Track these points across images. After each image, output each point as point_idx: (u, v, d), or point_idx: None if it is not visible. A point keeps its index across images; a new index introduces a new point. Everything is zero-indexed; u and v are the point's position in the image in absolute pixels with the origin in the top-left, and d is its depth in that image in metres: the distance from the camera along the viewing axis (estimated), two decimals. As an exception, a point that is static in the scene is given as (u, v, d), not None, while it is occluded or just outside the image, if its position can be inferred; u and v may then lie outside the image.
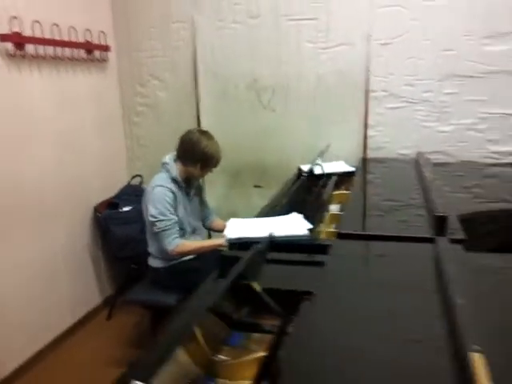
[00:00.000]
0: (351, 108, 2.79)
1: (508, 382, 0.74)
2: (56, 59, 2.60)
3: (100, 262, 3.14)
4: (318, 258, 1.31)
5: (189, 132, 2.30)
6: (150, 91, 3.19)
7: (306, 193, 2.27)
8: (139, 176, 3.28)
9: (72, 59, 2.72)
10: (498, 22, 2.45)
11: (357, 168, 2.61)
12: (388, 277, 1.17)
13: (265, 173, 3.08)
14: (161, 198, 2.20)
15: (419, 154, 2.60)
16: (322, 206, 2.08)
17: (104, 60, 3.02)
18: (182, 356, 0.96)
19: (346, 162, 2.75)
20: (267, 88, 2.92)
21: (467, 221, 1.62)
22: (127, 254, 2.92)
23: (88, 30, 2.80)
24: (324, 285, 1.13)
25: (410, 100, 2.69)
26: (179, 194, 2.29)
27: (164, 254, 2.26)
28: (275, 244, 1.50)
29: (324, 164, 2.65)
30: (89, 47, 2.85)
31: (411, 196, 1.93)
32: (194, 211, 2.41)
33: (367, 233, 1.46)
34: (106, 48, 3.00)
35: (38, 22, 2.40)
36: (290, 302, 1.10)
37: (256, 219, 1.81)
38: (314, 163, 2.47)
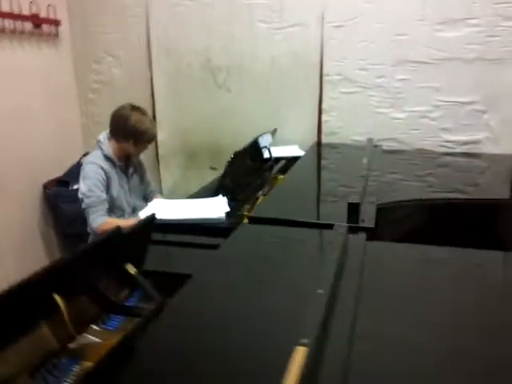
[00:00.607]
0: (306, 91, 2.73)
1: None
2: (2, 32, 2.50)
3: (51, 239, 3.09)
4: (216, 241, 1.27)
5: (120, 107, 2.24)
6: (104, 68, 3.10)
7: (246, 176, 2.22)
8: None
9: (16, 32, 2.62)
10: (451, 8, 2.38)
11: (306, 153, 2.56)
12: (271, 262, 1.14)
13: (220, 154, 3.00)
14: (90, 175, 2.14)
15: (369, 140, 2.55)
16: (257, 190, 2.03)
17: (55, 35, 2.92)
18: (44, 328, 0.94)
19: (301, 146, 2.70)
20: (221, 68, 2.84)
21: (389, 209, 1.58)
22: (75, 231, 2.85)
23: (33, 2, 2.70)
24: (205, 268, 1.09)
25: (364, 85, 2.62)
26: (113, 172, 2.23)
27: (93, 232, 2.21)
28: (184, 225, 1.47)
29: (275, 148, 2.61)
30: (36, 21, 2.75)
31: (346, 183, 1.89)
32: (133, 190, 2.36)
33: (276, 217, 1.42)
34: (56, 22, 2.89)
35: (-26, -9, 2.31)
36: (169, 285, 1.07)
37: (179, 201, 1.77)
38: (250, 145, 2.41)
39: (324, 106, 2.72)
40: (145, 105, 2.98)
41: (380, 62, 2.56)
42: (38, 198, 2.93)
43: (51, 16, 2.85)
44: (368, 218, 1.40)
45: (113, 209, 2.26)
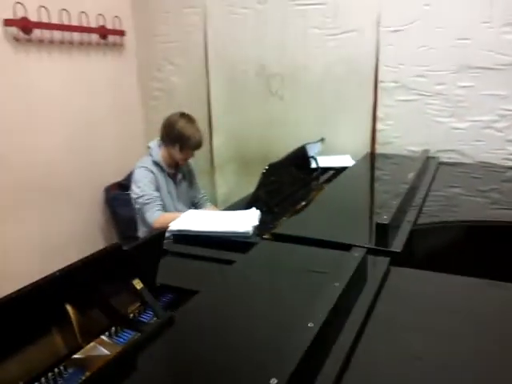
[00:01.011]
0: (360, 99, 2.63)
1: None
2: (67, 44, 2.69)
3: (113, 241, 3.25)
4: (234, 256, 1.27)
5: (171, 115, 2.32)
6: (164, 76, 3.21)
7: (288, 187, 2.19)
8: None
9: (85, 44, 2.80)
10: (521, 8, 2.18)
11: (356, 163, 2.47)
12: (279, 282, 1.11)
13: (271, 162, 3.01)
14: (141, 177, 2.24)
15: (424, 151, 2.41)
16: (299, 201, 1.99)
17: (120, 45, 3.09)
18: (54, 335, 0.99)
19: (353, 156, 2.62)
20: (275, 75, 2.83)
21: (426, 232, 1.48)
22: (131, 234, 3.00)
23: (101, 14, 2.86)
24: (214, 284, 1.08)
25: (422, 93, 2.48)
26: (161, 177, 2.31)
27: (148, 231, 2.28)
28: (210, 238, 1.48)
29: (325, 157, 2.55)
30: (103, 32, 2.92)
31: (390, 198, 1.79)
32: (181, 196, 2.42)
33: (297, 235, 1.37)
34: (121, 33, 3.05)
35: (44, 7, 2.49)
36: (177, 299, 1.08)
37: (211, 212, 1.78)
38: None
39: (379, 114, 2.61)
40: (202, 112, 3.07)
41: (440, 68, 2.40)
42: (101, 202, 3.11)
43: (117, 27, 3.01)
44: (398, 241, 1.32)
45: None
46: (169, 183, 2.35)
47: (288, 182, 2.00)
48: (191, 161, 2.61)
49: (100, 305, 1.06)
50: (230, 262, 1.24)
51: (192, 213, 1.75)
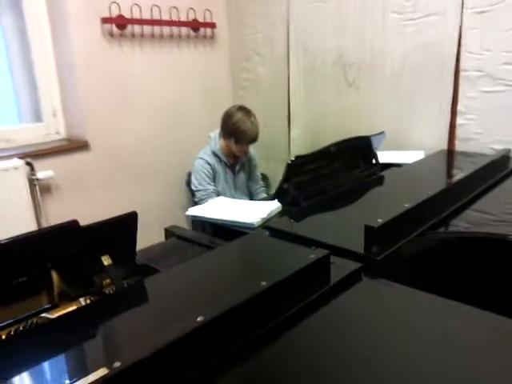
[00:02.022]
0: (439, 90, 2.38)
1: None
2: (158, 37, 2.94)
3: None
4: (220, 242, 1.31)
5: (230, 107, 2.39)
6: (252, 66, 3.30)
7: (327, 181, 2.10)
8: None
9: (175, 36, 3.03)
10: None
11: (420, 160, 2.26)
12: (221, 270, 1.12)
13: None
14: (198, 169, 2.37)
15: (503, 152, 2.09)
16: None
17: (211, 37, 3.26)
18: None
19: (428, 152, 2.40)
20: (352, 65, 2.71)
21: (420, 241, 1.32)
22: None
23: (192, 8, 3.05)
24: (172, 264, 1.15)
25: (511, 83, 2.15)
26: (219, 167, 2.41)
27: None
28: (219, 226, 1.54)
29: (391, 153, 2.39)
30: (195, 25, 3.12)
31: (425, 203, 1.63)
32: (239, 186, 2.50)
33: (285, 230, 1.34)
34: (212, 25, 3.22)
35: (137, 4, 2.75)
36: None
37: (236, 201, 1.82)
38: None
39: (459, 107, 2.33)
40: (282, 103, 3.10)
41: (533, 54, 2.05)
42: (184, 185, 3.35)
43: (208, 20, 3.18)
44: (384, 248, 1.21)
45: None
46: (227, 173, 2.44)
47: (326, 176, 1.93)
48: (254, 152, 2.67)
49: (75, 274, 1.20)
50: (211, 248, 1.28)
51: (219, 200, 1.82)
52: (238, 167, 2.50)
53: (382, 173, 2.09)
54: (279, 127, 3.16)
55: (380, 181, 1.97)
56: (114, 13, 2.68)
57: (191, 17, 3.07)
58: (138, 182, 2.99)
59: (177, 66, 3.10)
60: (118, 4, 2.67)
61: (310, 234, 1.29)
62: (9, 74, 2.73)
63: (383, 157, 2.34)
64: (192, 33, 3.13)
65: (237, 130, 2.33)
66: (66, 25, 2.57)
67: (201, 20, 3.14)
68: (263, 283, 0.95)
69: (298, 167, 1.77)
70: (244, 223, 1.52)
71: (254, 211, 1.60)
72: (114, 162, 2.86)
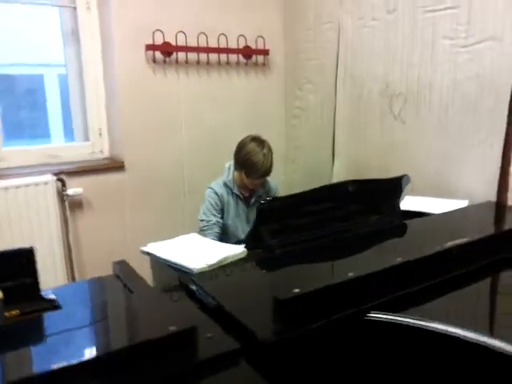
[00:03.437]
0: (490, 128, 1.98)
1: None
2: (204, 64, 2.92)
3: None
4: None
5: (245, 137, 2.23)
6: (303, 94, 3.12)
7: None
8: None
9: (223, 64, 2.98)
10: None
11: (448, 212, 1.86)
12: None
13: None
14: (206, 199, 2.26)
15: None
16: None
17: (263, 64, 3.15)
18: None
19: (476, 203, 1.99)
20: (399, 95, 2.39)
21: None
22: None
23: (242, 35, 2.99)
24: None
25: None
26: (229, 199, 2.26)
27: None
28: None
29: (425, 199, 2.04)
30: (248, 52, 3.04)
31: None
32: (252, 219, 2.32)
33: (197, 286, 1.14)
34: (265, 52, 3.11)
35: (183, 32, 2.76)
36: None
37: (203, 241, 1.65)
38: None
39: (516, 151, 1.90)
40: (327, 134, 2.87)
41: None
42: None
43: (260, 46, 3.09)
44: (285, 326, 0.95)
45: (227, 235, 2.31)
46: (239, 205, 2.28)
47: (320, 222, 1.67)
48: (275, 184, 2.48)
49: None
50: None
51: (187, 238, 1.68)
52: (253, 200, 2.33)
53: (396, 223, 1.76)
54: (323, 161, 2.92)
55: (380, 234, 1.65)
56: (158, 39, 2.72)
57: (241, 43, 3.01)
58: (171, 203, 2.96)
59: (224, 92, 3.05)
60: (161, 31, 2.70)
61: (218, 296, 1.08)
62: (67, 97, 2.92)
63: (419, 203, 2.02)
64: (242, 59, 3.06)
65: (247, 162, 2.17)
66: (113, 51, 2.68)
67: (253, 47, 3.06)
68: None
69: (277, 211, 1.56)
70: (185, 267, 1.35)
71: (206, 255, 1.42)
72: (148, 184, 2.87)
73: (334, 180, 2.86)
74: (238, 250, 1.47)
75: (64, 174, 2.61)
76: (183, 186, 3.00)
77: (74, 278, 2.71)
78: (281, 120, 3.33)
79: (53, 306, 1.21)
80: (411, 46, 2.28)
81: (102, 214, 2.76)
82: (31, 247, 1.10)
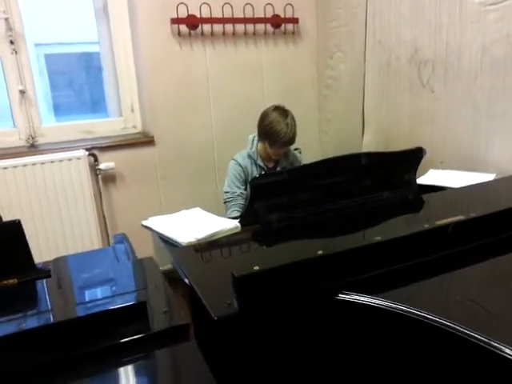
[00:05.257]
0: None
1: None
2: (229, 35, 2.88)
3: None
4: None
5: (269, 106, 2.21)
6: (335, 63, 3.01)
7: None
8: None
9: (252, 34, 2.93)
10: None
11: (474, 185, 1.74)
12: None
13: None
14: (229, 171, 2.28)
15: None
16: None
17: (293, 33, 3.06)
18: None
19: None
20: (427, 62, 2.24)
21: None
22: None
23: (269, 4, 2.90)
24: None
25: None
26: (253, 171, 2.27)
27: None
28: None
29: (453, 173, 1.93)
30: (277, 21, 2.97)
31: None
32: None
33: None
34: (295, 21, 3.02)
35: (207, 3, 2.74)
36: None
37: (201, 215, 1.67)
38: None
39: (549, 119, 1.73)
40: (357, 104, 2.77)
41: None
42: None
43: (289, 15, 2.99)
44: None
45: (252, 205, 2.32)
46: (261, 176, 2.28)
47: (323, 198, 1.63)
48: (298, 155, 2.44)
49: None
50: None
51: (189, 212, 1.71)
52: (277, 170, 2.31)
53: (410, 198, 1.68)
54: (354, 132, 2.82)
55: (387, 209, 1.59)
56: (183, 12, 2.71)
57: (269, 12, 2.93)
58: (201, 177, 3.01)
59: (252, 63, 3.01)
60: (185, 4, 2.70)
61: (189, 271, 1.10)
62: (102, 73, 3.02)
63: (442, 177, 1.93)
64: (270, 29, 2.98)
65: (270, 131, 2.15)
66: (139, 26, 2.71)
67: (282, 15, 2.97)
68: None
69: (273, 186, 1.54)
70: (174, 240, 1.39)
71: (197, 229, 1.45)
72: (178, 157, 2.93)
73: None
74: (231, 224, 1.48)
75: (96, 149, 2.73)
76: (213, 159, 3.04)
77: (109, 248, 2.87)
78: (313, 91, 3.24)
79: (48, 275, 1.31)
80: (439, 6, 2.11)
81: (134, 188, 2.87)
82: (18, 220, 1.18)
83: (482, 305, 0.98)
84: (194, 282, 1.04)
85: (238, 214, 2.20)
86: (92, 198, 2.69)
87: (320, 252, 1.05)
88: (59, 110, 5.11)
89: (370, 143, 2.71)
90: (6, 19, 2.47)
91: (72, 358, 0.81)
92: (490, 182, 1.78)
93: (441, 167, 2.08)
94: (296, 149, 2.44)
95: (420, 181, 1.89)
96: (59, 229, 2.63)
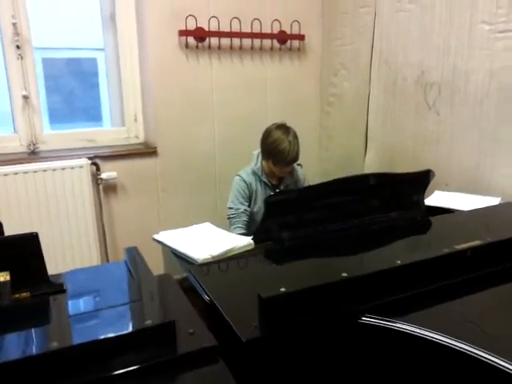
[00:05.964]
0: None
1: None
2: (236, 49, 2.90)
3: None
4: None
5: (271, 124, 2.22)
6: (338, 81, 3.04)
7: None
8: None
9: (258, 49, 2.95)
10: None
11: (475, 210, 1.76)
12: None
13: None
14: (234, 187, 2.27)
15: None
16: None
17: (298, 49, 3.09)
18: None
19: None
20: (433, 84, 2.28)
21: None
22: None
23: (277, 20, 2.93)
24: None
25: None
26: (258, 187, 2.26)
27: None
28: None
29: (457, 196, 1.95)
30: (282, 37, 2.99)
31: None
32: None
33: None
34: (301, 37, 3.05)
35: (215, 17, 2.75)
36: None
37: (214, 231, 1.66)
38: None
39: (555, 146, 1.76)
40: (360, 123, 2.80)
41: None
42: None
43: (295, 32, 3.02)
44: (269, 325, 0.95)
45: (255, 222, 2.31)
46: (267, 193, 2.28)
47: (332, 217, 1.64)
48: (303, 172, 2.45)
49: None
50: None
51: (199, 227, 1.70)
52: (281, 188, 2.32)
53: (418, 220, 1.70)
54: (356, 150, 2.85)
55: (396, 230, 1.60)
56: (191, 24, 2.72)
57: (275, 28, 2.96)
58: (202, 189, 3.00)
59: (257, 78, 3.02)
60: (194, 17, 2.71)
61: (210, 289, 1.09)
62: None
63: (447, 199, 1.95)
64: (276, 45, 3.01)
65: (274, 150, 2.16)
66: (147, 36, 2.71)
67: (288, 32, 3.00)
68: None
69: (286, 204, 1.54)
70: (190, 257, 1.38)
71: (212, 246, 1.44)
72: (179, 169, 2.92)
73: (366, 170, 2.79)
74: (245, 241, 1.47)
75: (98, 158, 2.71)
76: (214, 171, 3.03)
77: (107, 260, 2.83)
78: (316, 107, 3.26)
79: (62, 289, 1.29)
80: (447, 30, 2.15)
81: (135, 198, 2.84)
82: (35, 233, 1.16)
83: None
84: (217, 302, 1.03)
85: (241, 231, 2.20)
86: (92, 207, 2.66)
87: (344, 274, 1.05)
88: (53, 116, 5.07)
89: (372, 161, 2.73)
90: (14, 24, 2.45)
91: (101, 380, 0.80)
92: (496, 205, 1.81)
93: (446, 189, 2.11)
94: (298, 164, 2.45)
95: (426, 202, 1.91)
96: (58, 237, 2.59)
